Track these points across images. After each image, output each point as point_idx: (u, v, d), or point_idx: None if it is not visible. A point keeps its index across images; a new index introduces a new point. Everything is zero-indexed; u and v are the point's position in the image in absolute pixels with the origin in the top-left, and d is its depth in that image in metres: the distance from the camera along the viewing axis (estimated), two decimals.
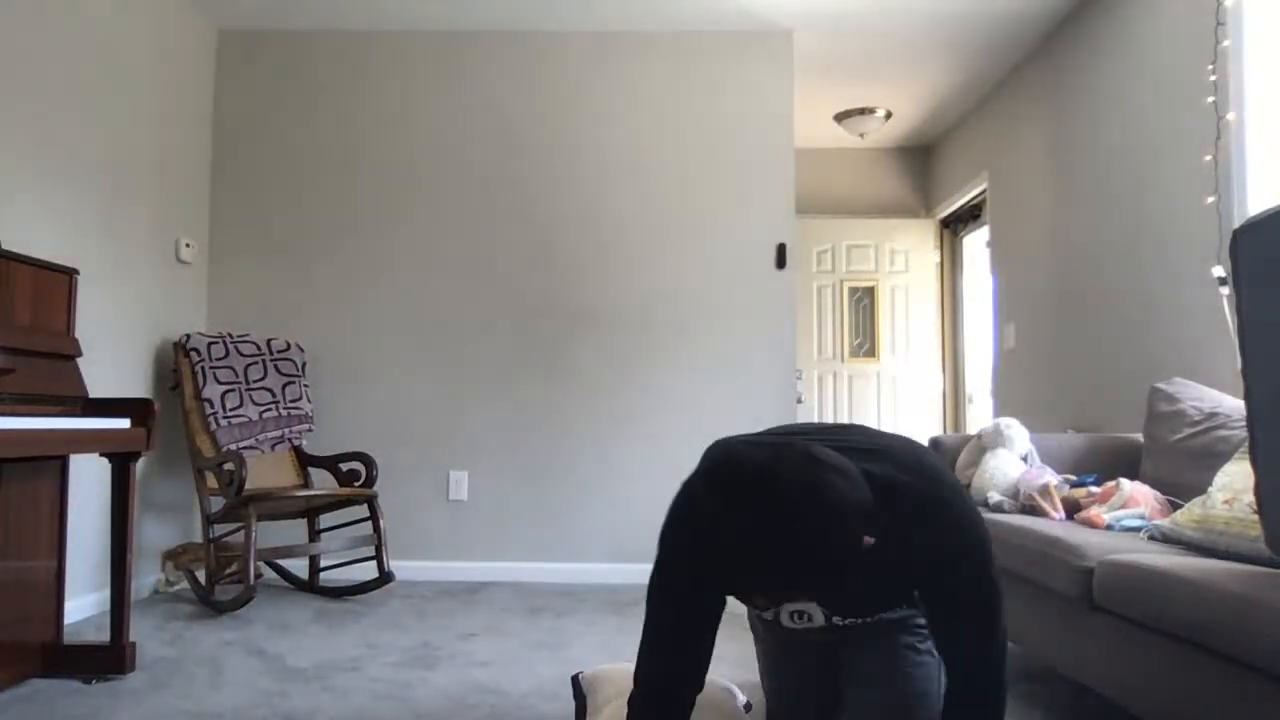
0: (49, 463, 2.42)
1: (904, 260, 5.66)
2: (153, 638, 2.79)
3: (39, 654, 2.36)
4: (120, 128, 3.35)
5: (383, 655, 2.64)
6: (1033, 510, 2.46)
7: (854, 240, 5.67)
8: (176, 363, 3.55)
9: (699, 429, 3.88)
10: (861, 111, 5.06)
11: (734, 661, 2.56)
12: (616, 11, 3.89)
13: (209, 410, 3.49)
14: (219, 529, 3.36)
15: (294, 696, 2.24)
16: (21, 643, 2.31)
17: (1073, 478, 2.58)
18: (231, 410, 3.54)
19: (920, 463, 1.45)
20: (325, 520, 3.69)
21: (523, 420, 3.95)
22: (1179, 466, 2.37)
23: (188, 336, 3.57)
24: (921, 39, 4.13)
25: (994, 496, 2.58)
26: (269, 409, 3.65)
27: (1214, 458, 2.18)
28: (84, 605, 3.04)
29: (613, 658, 2.62)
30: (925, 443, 2.69)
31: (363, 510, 3.53)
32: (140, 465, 2.63)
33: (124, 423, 2.40)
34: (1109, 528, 2.19)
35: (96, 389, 2.63)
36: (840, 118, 5.14)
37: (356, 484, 3.58)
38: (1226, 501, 1.87)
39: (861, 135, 5.28)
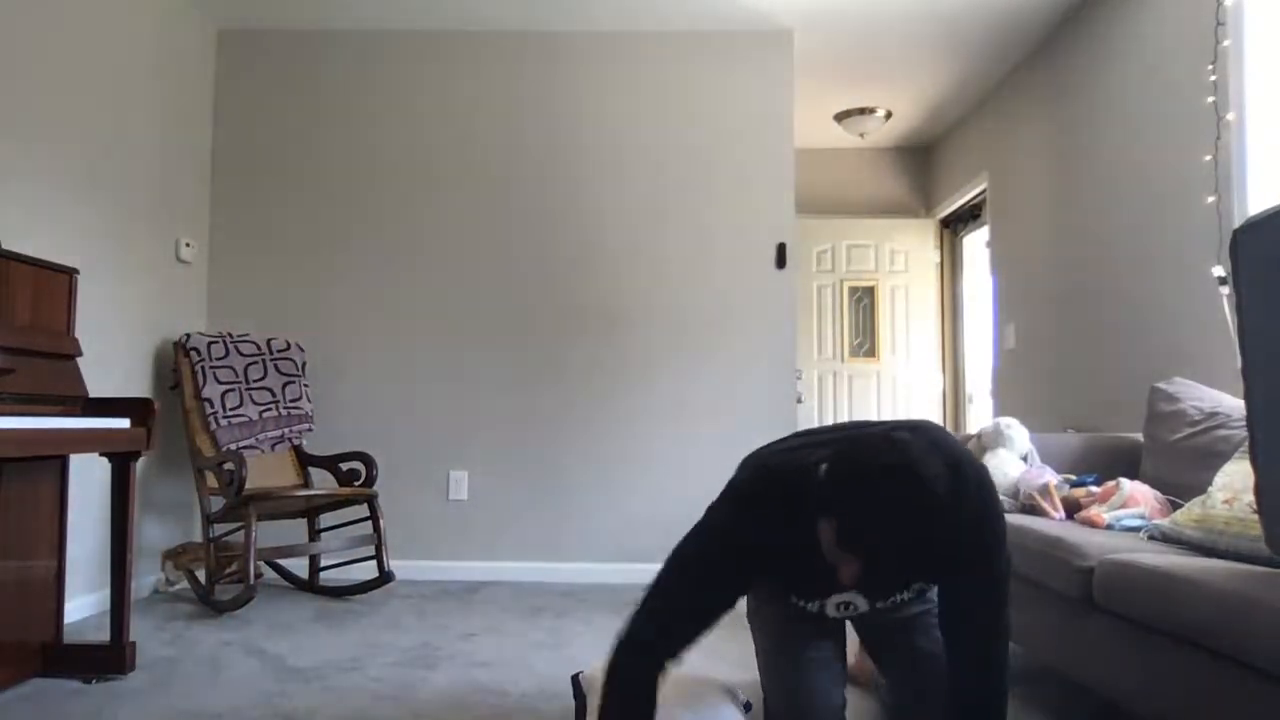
0: (49, 463, 2.42)
1: (904, 260, 5.66)
2: (153, 638, 2.79)
3: (39, 654, 2.36)
4: (120, 128, 3.35)
5: (383, 655, 2.64)
6: (1033, 510, 2.46)
7: (854, 240, 5.67)
8: (176, 362, 3.56)
9: (698, 428, 3.89)
10: (861, 111, 5.06)
11: (735, 661, 2.56)
12: (616, 11, 3.89)
13: (209, 410, 3.49)
14: (219, 529, 3.36)
15: (294, 696, 2.24)
16: (21, 642, 2.32)
17: (1073, 478, 2.58)
18: (231, 410, 3.54)
19: (966, 459, 1.53)
20: (325, 520, 3.69)
21: (523, 420, 3.95)
22: (1179, 466, 2.37)
23: (188, 336, 3.57)
24: (921, 39, 4.13)
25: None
26: (269, 409, 3.65)
27: (1214, 458, 2.17)
28: (84, 605, 3.05)
29: None
30: None
31: (363, 510, 3.53)
32: (140, 465, 2.63)
33: (124, 423, 2.40)
34: (1109, 527, 2.19)
35: (96, 389, 2.63)
36: (840, 118, 5.14)
37: (356, 484, 3.58)
38: (1226, 501, 1.87)
39: (861, 135, 5.28)
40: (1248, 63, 2.73)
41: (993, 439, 2.72)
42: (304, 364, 3.81)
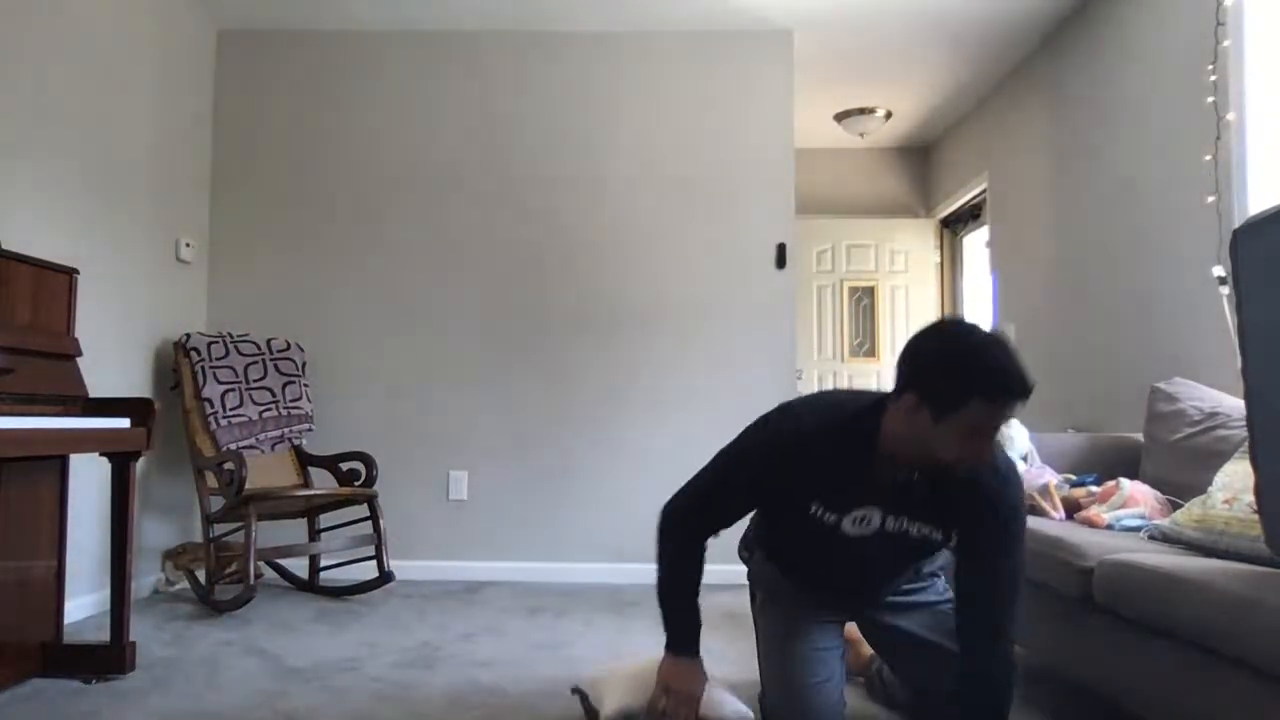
0: (49, 463, 2.42)
1: (904, 260, 5.66)
2: (153, 638, 2.79)
3: (39, 654, 2.36)
4: (120, 128, 3.35)
5: (383, 655, 2.64)
6: (1033, 510, 2.46)
7: (854, 240, 5.67)
8: (176, 362, 3.56)
9: (698, 428, 3.88)
10: (861, 111, 5.06)
11: (734, 661, 2.56)
12: (616, 11, 3.89)
13: (209, 410, 3.49)
14: (219, 529, 3.36)
15: (294, 696, 2.24)
16: (21, 643, 2.31)
17: (1073, 478, 2.58)
18: (231, 410, 3.54)
19: None
20: (325, 520, 3.68)
21: (523, 420, 3.95)
22: (1179, 466, 2.37)
23: (188, 336, 3.57)
24: (921, 39, 4.13)
25: None
26: (269, 409, 3.65)
27: (1214, 458, 2.17)
28: (84, 605, 3.04)
29: (613, 657, 2.63)
30: None
31: (363, 510, 3.53)
32: (140, 465, 2.63)
33: (124, 422, 2.40)
34: (1109, 527, 2.19)
35: (96, 389, 2.63)
36: (840, 118, 5.14)
37: (356, 484, 3.58)
38: (1226, 501, 1.87)
39: (861, 135, 5.28)
40: (1248, 63, 2.73)
41: None
42: (304, 364, 3.81)
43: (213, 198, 4.02)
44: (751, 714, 1.85)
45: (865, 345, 5.63)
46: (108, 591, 2.44)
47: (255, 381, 3.65)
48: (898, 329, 5.60)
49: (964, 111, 5.14)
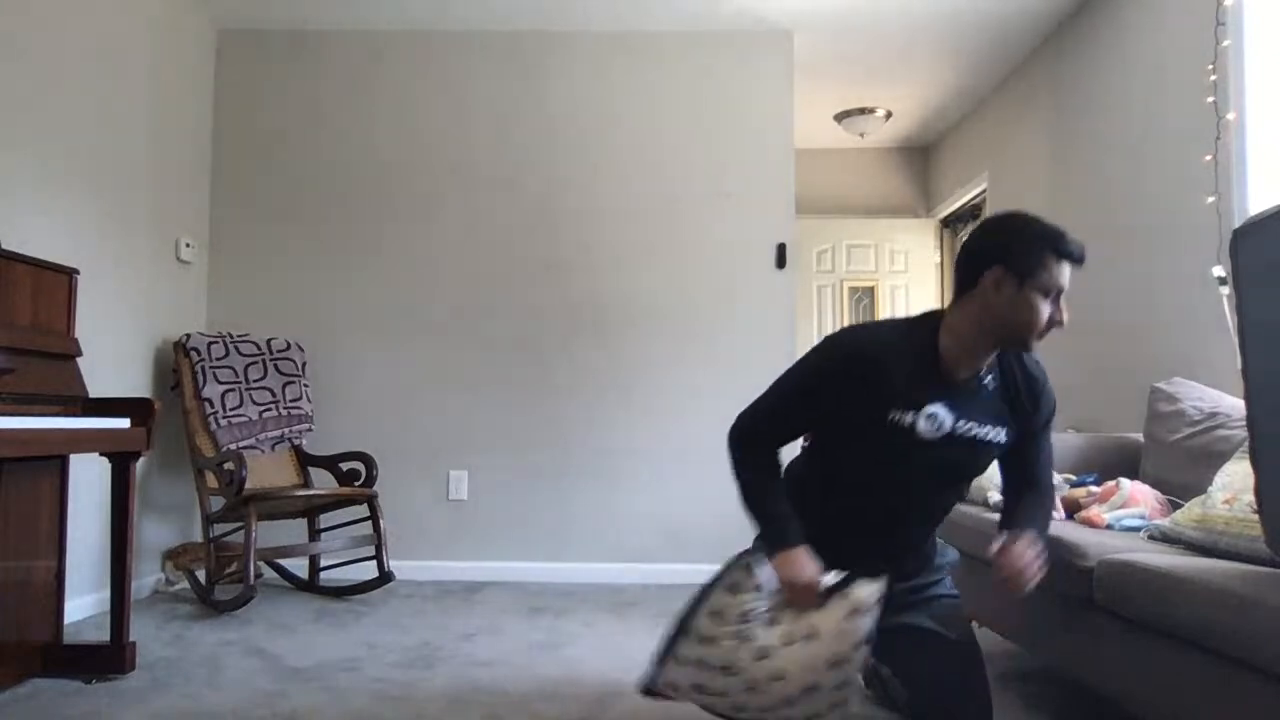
0: (49, 463, 2.42)
1: (904, 260, 5.66)
2: (153, 638, 2.79)
3: (39, 654, 2.36)
4: (120, 127, 3.35)
5: (383, 655, 2.64)
6: None
7: (854, 240, 5.67)
8: (176, 362, 3.56)
9: (698, 428, 3.88)
10: (861, 111, 5.06)
11: None
12: (616, 12, 3.89)
13: (209, 410, 3.49)
14: (219, 529, 3.36)
15: (294, 696, 2.24)
16: (21, 643, 2.31)
17: (1073, 477, 2.58)
18: (231, 410, 3.54)
19: None
20: (325, 520, 3.68)
21: (523, 420, 3.95)
22: (1179, 466, 2.37)
23: (188, 336, 3.57)
24: (921, 39, 4.13)
25: (994, 496, 2.58)
26: (269, 409, 3.65)
27: (1214, 458, 2.17)
28: (84, 605, 3.04)
29: (613, 657, 2.63)
30: None
31: (363, 510, 3.53)
32: (140, 465, 2.63)
33: (124, 423, 2.40)
34: (1109, 527, 2.19)
35: (96, 389, 2.63)
36: (840, 118, 5.14)
37: (356, 484, 3.58)
38: (1226, 501, 1.87)
39: (861, 135, 5.28)
40: (1248, 63, 2.73)
41: None
42: (304, 364, 3.81)
43: (213, 198, 4.02)
44: (881, 588, 1.70)
45: None
46: (108, 591, 2.44)
47: (255, 381, 3.65)
48: None
49: (964, 111, 5.13)
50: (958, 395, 1.74)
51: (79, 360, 2.49)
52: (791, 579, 1.68)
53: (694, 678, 1.67)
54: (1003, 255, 1.65)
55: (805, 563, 1.69)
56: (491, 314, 3.99)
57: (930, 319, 1.78)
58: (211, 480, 3.34)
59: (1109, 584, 1.77)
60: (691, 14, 3.89)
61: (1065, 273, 1.65)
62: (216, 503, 3.33)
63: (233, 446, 3.45)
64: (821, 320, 5.62)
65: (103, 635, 2.47)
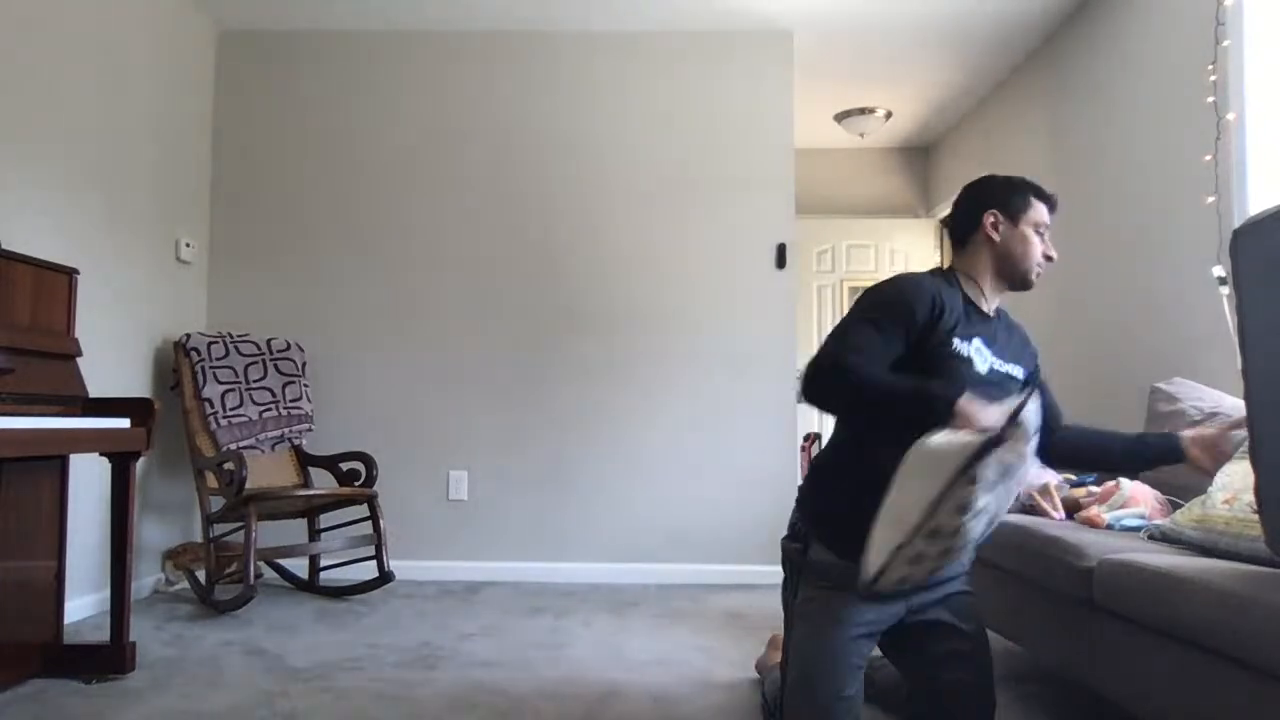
0: (49, 463, 2.42)
1: (904, 260, 5.66)
2: (153, 638, 2.79)
3: (39, 654, 2.36)
4: (120, 128, 3.35)
5: (383, 655, 2.64)
6: (1033, 510, 2.46)
7: (854, 240, 5.67)
8: (176, 362, 3.56)
9: (698, 429, 3.89)
10: (861, 111, 5.06)
11: (733, 662, 2.56)
12: (616, 12, 3.89)
13: (209, 410, 3.49)
14: (219, 529, 3.36)
15: (294, 696, 2.24)
16: (21, 643, 2.31)
17: (1073, 477, 2.58)
18: (231, 410, 3.54)
19: None
20: (325, 520, 3.69)
21: (523, 420, 3.95)
22: (1179, 466, 2.36)
23: (188, 336, 3.57)
24: (921, 39, 4.13)
25: None
26: (269, 409, 3.65)
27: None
28: (84, 605, 3.04)
29: (613, 657, 2.63)
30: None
31: (363, 510, 3.53)
32: (140, 465, 2.63)
33: (124, 423, 2.40)
34: (1109, 528, 2.19)
35: (96, 389, 2.63)
36: (840, 118, 5.14)
37: (356, 484, 3.58)
38: (1226, 501, 1.87)
39: (861, 135, 5.28)
40: (1248, 63, 2.73)
41: None
42: (304, 364, 3.81)
43: (213, 198, 4.02)
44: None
45: None
46: (108, 591, 2.44)
47: (255, 381, 3.65)
48: None
49: (964, 111, 5.13)
50: (988, 333, 1.88)
51: (79, 360, 2.49)
52: (987, 425, 1.56)
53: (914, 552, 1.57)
54: (994, 201, 1.92)
55: (978, 405, 1.61)
56: (492, 313, 3.99)
57: (942, 269, 1.95)
58: (211, 480, 3.34)
59: (1109, 584, 1.77)
60: (691, 14, 3.89)
61: (1045, 212, 1.95)
62: (216, 503, 3.33)
63: (233, 446, 3.45)
64: (821, 320, 5.62)
65: (103, 635, 2.47)
